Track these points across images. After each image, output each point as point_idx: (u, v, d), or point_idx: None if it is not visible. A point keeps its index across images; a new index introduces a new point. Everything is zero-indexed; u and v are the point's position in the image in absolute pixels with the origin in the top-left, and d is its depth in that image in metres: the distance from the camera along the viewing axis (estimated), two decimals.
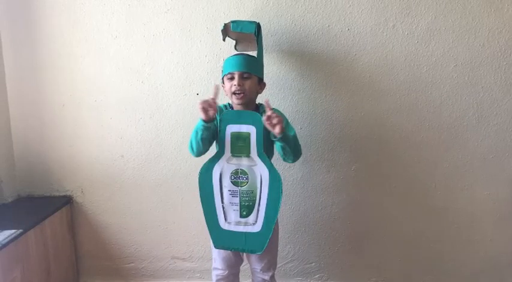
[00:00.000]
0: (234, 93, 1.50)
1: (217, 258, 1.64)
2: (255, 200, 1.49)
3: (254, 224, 1.50)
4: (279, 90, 1.87)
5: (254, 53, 1.63)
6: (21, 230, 1.61)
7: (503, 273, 2.01)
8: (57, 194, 2.03)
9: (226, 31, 1.68)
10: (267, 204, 1.49)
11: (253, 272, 1.69)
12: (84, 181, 2.02)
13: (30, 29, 1.88)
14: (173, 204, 2.01)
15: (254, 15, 1.81)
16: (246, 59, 1.53)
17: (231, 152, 1.48)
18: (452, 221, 1.97)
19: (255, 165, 1.48)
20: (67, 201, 2.00)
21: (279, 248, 1.73)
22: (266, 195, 1.48)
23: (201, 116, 1.42)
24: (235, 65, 1.51)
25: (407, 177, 1.94)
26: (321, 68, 1.85)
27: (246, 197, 1.49)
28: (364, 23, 1.80)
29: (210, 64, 1.87)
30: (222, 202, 1.50)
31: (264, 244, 1.51)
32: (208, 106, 1.41)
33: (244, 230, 1.51)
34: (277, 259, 1.72)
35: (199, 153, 1.53)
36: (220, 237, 1.53)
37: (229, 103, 1.62)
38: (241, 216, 1.50)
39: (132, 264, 2.10)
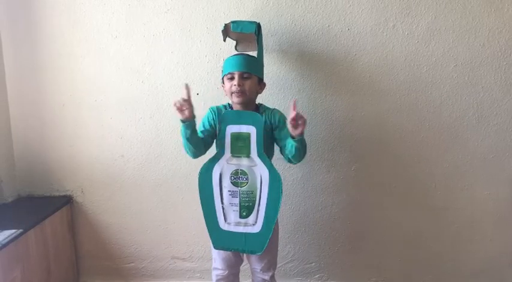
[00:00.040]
0: (233, 93, 1.50)
1: (217, 258, 1.64)
2: (255, 200, 1.49)
3: (254, 225, 1.50)
4: (279, 90, 1.87)
5: (254, 53, 1.63)
6: (21, 230, 1.62)
7: (503, 273, 2.01)
8: (57, 194, 2.03)
9: (226, 31, 1.68)
10: (267, 205, 1.49)
11: (253, 272, 1.69)
12: (84, 181, 2.02)
13: (31, 29, 1.88)
14: (173, 204, 2.01)
15: (254, 15, 1.81)
16: (246, 59, 1.53)
17: (231, 153, 1.48)
18: (452, 221, 1.97)
19: (255, 165, 1.47)
20: (67, 201, 2.00)
21: (279, 248, 1.72)
22: (266, 195, 1.48)
23: (178, 116, 1.43)
24: (235, 65, 1.51)
25: (407, 177, 1.94)
26: (321, 68, 1.85)
27: (246, 197, 1.49)
28: (364, 23, 1.80)
29: (210, 64, 1.87)
30: (222, 203, 1.50)
31: (263, 244, 1.51)
32: (180, 106, 1.41)
33: (244, 231, 1.51)
34: (277, 259, 1.72)
35: (194, 153, 1.54)
36: (220, 238, 1.53)
37: (229, 103, 1.62)
38: (241, 216, 1.50)
39: (132, 264, 2.10)
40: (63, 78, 1.92)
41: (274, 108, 1.62)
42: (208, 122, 1.57)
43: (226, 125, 1.47)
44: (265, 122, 1.52)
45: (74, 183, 2.02)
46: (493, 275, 2.01)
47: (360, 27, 1.80)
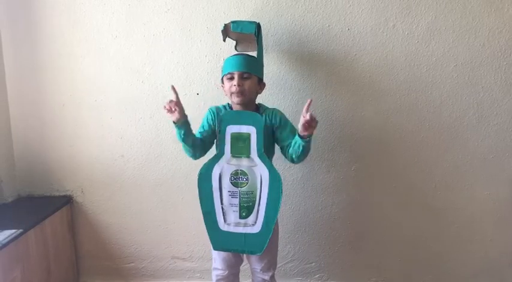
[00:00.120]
0: (233, 93, 1.50)
1: (217, 259, 1.64)
2: (255, 200, 1.49)
3: (253, 225, 1.50)
4: (279, 90, 1.87)
5: (254, 53, 1.63)
6: (21, 230, 1.61)
7: (503, 273, 2.01)
8: (57, 193, 2.03)
9: (226, 31, 1.68)
10: (267, 205, 1.48)
11: (253, 272, 1.69)
12: (84, 181, 2.02)
13: (31, 29, 1.88)
14: (173, 204, 2.01)
15: (254, 15, 1.80)
16: (246, 59, 1.53)
17: (231, 153, 1.48)
18: (452, 221, 1.97)
19: (255, 165, 1.47)
20: (67, 201, 2.00)
21: (279, 248, 1.73)
22: (266, 195, 1.48)
23: (169, 118, 1.46)
24: (235, 65, 1.51)
25: (407, 177, 1.94)
26: (321, 68, 1.85)
27: (246, 197, 1.49)
28: (364, 23, 1.80)
29: (210, 64, 1.87)
30: (222, 203, 1.50)
31: (263, 245, 1.51)
32: (170, 108, 1.44)
33: (244, 231, 1.51)
34: (277, 259, 1.72)
35: (193, 154, 1.55)
36: (220, 239, 1.52)
37: (229, 103, 1.62)
38: (241, 217, 1.50)
39: (132, 264, 2.10)
40: (63, 78, 1.92)
41: (274, 108, 1.62)
42: (208, 122, 1.58)
43: (226, 125, 1.47)
44: (266, 122, 1.52)
45: (74, 183, 2.02)
46: (493, 275, 2.01)
47: (360, 27, 1.80)
